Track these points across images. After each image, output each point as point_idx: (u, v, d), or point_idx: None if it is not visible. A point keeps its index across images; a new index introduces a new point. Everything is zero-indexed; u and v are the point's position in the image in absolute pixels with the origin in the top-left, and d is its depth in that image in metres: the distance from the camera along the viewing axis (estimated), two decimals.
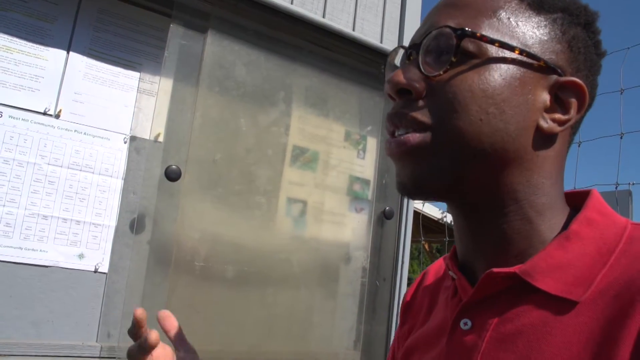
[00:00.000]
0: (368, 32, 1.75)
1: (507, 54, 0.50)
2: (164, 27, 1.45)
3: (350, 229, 1.69)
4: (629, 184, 2.01)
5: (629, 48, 2.07)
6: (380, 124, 1.78)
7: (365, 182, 1.73)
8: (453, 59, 0.50)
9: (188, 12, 1.42)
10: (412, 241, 1.93)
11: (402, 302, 0.77)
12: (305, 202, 1.62)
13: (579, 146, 2.22)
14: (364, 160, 1.76)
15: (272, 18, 1.50)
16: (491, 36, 0.50)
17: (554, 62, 0.51)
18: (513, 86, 0.50)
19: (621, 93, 2.08)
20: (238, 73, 1.49)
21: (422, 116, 0.51)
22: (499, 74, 0.50)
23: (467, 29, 0.50)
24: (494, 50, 0.50)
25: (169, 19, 1.43)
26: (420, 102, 0.52)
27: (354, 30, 1.71)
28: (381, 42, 1.77)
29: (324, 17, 1.64)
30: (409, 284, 1.37)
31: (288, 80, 1.57)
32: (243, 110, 1.51)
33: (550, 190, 0.53)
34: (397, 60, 0.61)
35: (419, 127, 0.51)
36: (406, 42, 1.81)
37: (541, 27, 0.52)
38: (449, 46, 0.50)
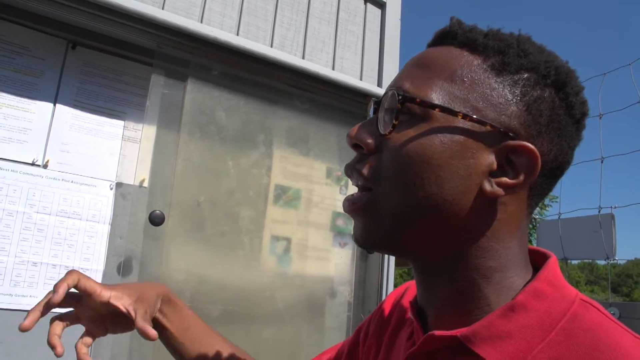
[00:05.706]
0: (348, 70, 1.80)
1: (450, 118, 0.50)
2: (146, 76, 1.51)
3: (334, 264, 1.72)
4: (612, 207, 2.04)
5: (605, 74, 2.12)
6: None
7: (348, 217, 1.76)
8: (395, 122, 0.52)
9: (168, 61, 1.48)
10: (397, 264, 1.95)
11: (381, 309, 0.77)
12: (290, 240, 1.66)
13: None
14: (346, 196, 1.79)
15: (251, 64, 1.55)
16: (435, 101, 0.51)
17: (505, 126, 0.50)
18: (452, 151, 0.50)
19: (600, 118, 2.12)
20: (218, 118, 1.54)
21: (368, 172, 0.54)
22: (439, 139, 0.50)
23: (407, 94, 0.52)
24: (437, 115, 0.51)
25: (151, 67, 1.49)
26: (370, 158, 0.55)
27: (333, 68, 1.76)
28: (361, 78, 1.82)
29: (303, 57, 1.69)
30: None
31: (268, 122, 1.62)
32: (224, 154, 1.56)
33: (502, 254, 0.52)
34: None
35: (365, 182, 0.55)
36: (387, 79, 1.86)
37: (498, 89, 0.51)
38: (395, 108, 0.52)
